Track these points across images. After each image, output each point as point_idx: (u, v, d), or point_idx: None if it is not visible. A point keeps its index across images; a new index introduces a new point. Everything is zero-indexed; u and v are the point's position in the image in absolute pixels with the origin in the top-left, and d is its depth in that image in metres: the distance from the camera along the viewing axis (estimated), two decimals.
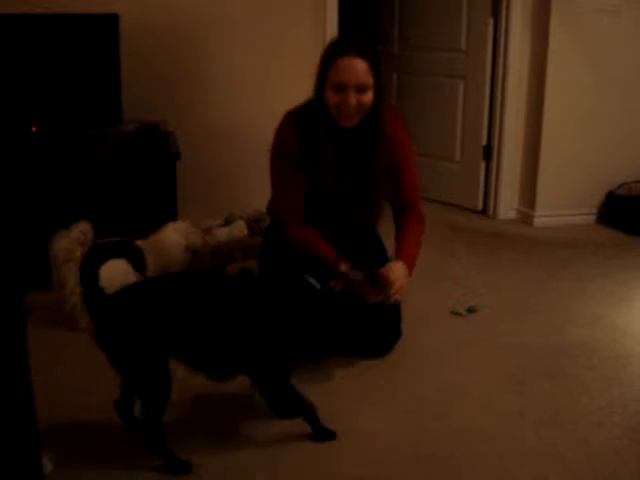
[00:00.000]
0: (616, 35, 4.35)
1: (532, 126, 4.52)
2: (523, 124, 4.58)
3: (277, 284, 2.22)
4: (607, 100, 4.45)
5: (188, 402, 2.36)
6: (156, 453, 2.00)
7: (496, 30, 4.47)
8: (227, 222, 3.60)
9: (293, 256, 2.74)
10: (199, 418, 2.30)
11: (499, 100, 4.54)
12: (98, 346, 2.01)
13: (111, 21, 3.42)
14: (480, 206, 4.82)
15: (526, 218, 4.60)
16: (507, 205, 4.71)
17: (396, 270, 2.46)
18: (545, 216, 4.55)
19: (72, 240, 2.83)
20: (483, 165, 4.73)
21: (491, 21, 4.46)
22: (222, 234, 3.43)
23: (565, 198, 4.56)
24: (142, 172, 3.40)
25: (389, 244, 2.79)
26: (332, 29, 4.10)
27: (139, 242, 2.95)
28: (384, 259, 2.81)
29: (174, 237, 2.89)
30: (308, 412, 2.14)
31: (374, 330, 2.67)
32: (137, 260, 2.11)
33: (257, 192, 3.18)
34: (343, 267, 2.41)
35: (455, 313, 3.13)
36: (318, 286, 2.21)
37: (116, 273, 2.65)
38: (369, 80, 2.43)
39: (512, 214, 4.71)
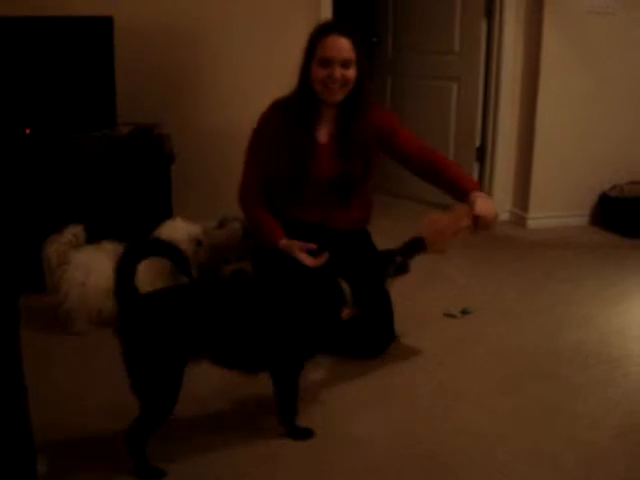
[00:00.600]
0: (609, 37, 4.36)
1: (525, 128, 4.53)
2: (516, 126, 4.59)
3: (304, 284, 2.26)
4: (600, 102, 4.47)
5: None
6: (133, 454, 1.98)
7: (489, 32, 4.48)
8: (221, 224, 3.60)
9: (286, 257, 2.76)
10: (197, 421, 2.31)
11: (493, 102, 4.56)
12: (121, 344, 1.99)
13: (105, 24, 3.43)
14: None
15: (520, 220, 4.62)
16: (501, 207, 4.70)
17: (483, 199, 2.59)
18: (538, 218, 4.56)
19: (64, 244, 2.83)
20: (477, 167, 4.74)
21: (484, 23, 4.48)
22: (216, 236, 3.43)
23: (558, 200, 4.57)
24: (137, 174, 3.40)
25: (387, 241, 2.80)
26: None
27: None
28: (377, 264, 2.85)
29: (175, 235, 2.89)
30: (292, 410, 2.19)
31: (368, 331, 2.68)
32: (179, 259, 2.12)
33: None
34: (282, 242, 2.66)
35: (449, 315, 3.14)
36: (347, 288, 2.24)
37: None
38: (352, 56, 2.65)
39: (506, 216, 4.72)
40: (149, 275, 2.90)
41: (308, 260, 2.63)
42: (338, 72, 2.62)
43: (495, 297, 3.36)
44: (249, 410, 2.36)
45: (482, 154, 4.70)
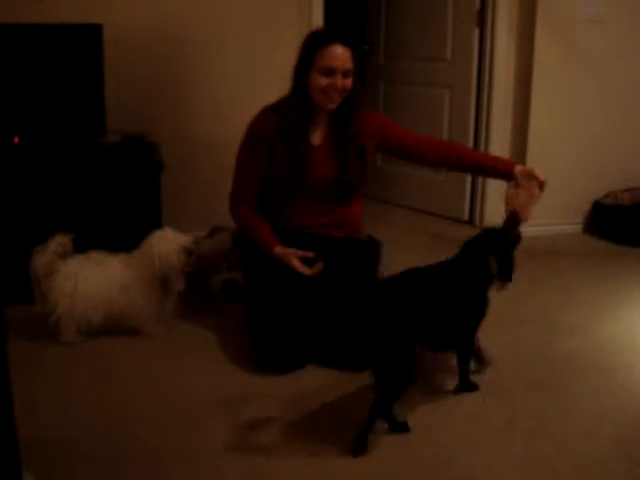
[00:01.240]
0: (601, 44, 4.37)
1: (518, 136, 4.52)
2: (509, 134, 4.58)
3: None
4: (593, 109, 4.47)
5: None
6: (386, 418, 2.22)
7: (482, 40, 4.48)
8: (212, 233, 3.59)
9: (278, 267, 2.76)
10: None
11: (485, 109, 4.55)
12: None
13: (94, 31, 3.40)
14: (466, 216, 4.81)
15: None
16: (493, 215, 4.70)
17: (534, 168, 2.79)
18: (531, 225, 4.51)
19: (51, 254, 2.81)
20: (469, 175, 4.73)
21: (477, 31, 4.47)
22: (207, 245, 3.41)
23: (551, 207, 4.55)
24: (126, 183, 3.37)
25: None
26: None
27: (125, 256, 2.94)
28: (371, 272, 2.86)
29: (166, 245, 2.87)
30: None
31: (358, 342, 2.65)
32: None
33: None
34: (277, 249, 2.73)
35: None
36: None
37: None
38: (352, 66, 2.73)
39: (499, 224, 4.70)
40: (140, 285, 2.88)
41: (303, 269, 2.68)
42: (340, 82, 2.69)
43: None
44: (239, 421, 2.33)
45: None
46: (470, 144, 4.65)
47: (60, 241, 2.83)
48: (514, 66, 4.47)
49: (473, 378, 2.51)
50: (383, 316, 2.15)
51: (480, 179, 4.67)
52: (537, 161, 4.42)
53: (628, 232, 4.35)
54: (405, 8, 4.98)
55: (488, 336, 2.99)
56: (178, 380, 2.60)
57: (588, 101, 4.45)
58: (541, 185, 2.75)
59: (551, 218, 4.58)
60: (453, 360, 2.51)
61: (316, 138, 2.84)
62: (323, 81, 2.68)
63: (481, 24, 4.46)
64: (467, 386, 2.49)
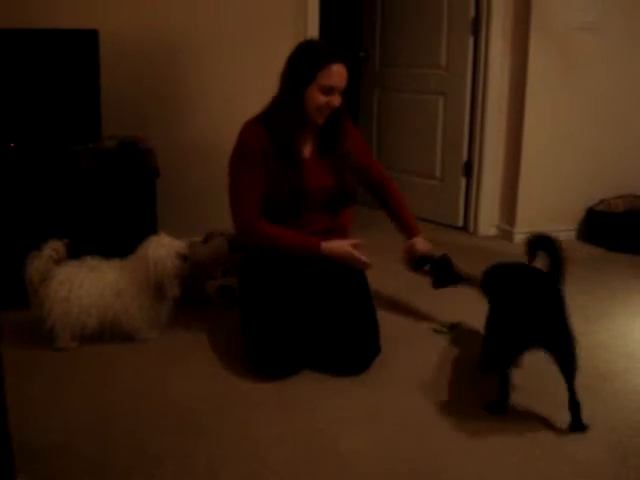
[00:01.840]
0: (595, 52, 4.39)
1: (512, 143, 4.54)
2: (503, 141, 4.60)
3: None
4: (587, 117, 4.49)
5: None
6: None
7: (476, 47, 4.50)
8: (207, 239, 3.59)
9: (273, 272, 2.76)
10: None
11: (479, 117, 4.57)
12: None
13: (90, 37, 3.41)
14: (461, 223, 4.83)
15: (507, 234, 4.62)
16: (488, 222, 4.72)
17: (420, 243, 3.08)
18: (525, 232, 4.50)
19: (45, 259, 2.81)
20: (463, 182, 4.75)
21: (471, 38, 4.49)
22: (202, 251, 3.42)
23: (545, 214, 4.58)
24: (121, 189, 3.37)
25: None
26: None
27: (120, 262, 2.94)
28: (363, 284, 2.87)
29: (161, 251, 2.87)
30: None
31: (352, 345, 2.66)
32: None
33: None
34: (325, 246, 2.75)
35: (436, 331, 3.12)
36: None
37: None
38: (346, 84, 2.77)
39: (493, 230, 4.73)
40: (134, 290, 2.88)
41: (364, 258, 2.81)
42: (337, 100, 2.73)
43: (483, 312, 3.33)
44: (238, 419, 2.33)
45: (469, 169, 4.70)
46: (464, 152, 4.68)
47: (54, 247, 2.83)
48: (508, 74, 4.49)
49: None
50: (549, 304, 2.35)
51: (475, 186, 4.68)
52: (531, 168, 4.46)
53: (621, 239, 4.37)
54: (400, 16, 5.00)
55: (482, 342, 3.00)
56: (173, 385, 2.60)
57: (581, 109, 4.47)
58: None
59: (545, 225, 4.57)
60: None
61: (306, 151, 2.84)
62: (322, 99, 2.69)
63: (475, 32, 4.48)
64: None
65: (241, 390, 2.56)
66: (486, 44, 4.43)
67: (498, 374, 2.39)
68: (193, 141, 4.04)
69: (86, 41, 3.42)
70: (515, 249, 4.40)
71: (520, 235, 4.54)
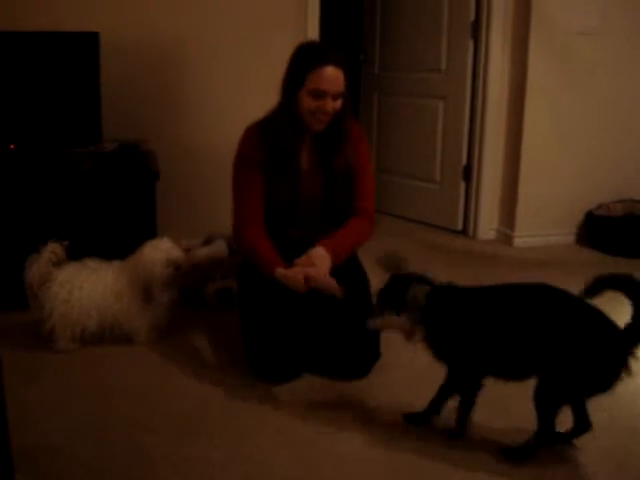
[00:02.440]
0: (595, 57, 4.40)
1: (512, 146, 4.54)
2: (503, 145, 4.60)
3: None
4: (586, 121, 4.50)
5: None
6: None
7: (476, 51, 4.50)
8: (207, 242, 3.59)
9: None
10: None
11: (479, 120, 4.57)
12: None
13: (91, 39, 3.41)
14: (460, 226, 4.83)
15: (506, 238, 4.62)
16: (487, 225, 4.72)
17: (314, 255, 2.57)
18: (525, 236, 4.56)
19: (45, 262, 2.81)
20: (463, 185, 4.75)
21: (471, 42, 4.50)
22: (202, 254, 3.42)
23: (544, 218, 4.58)
24: (121, 191, 3.37)
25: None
26: None
27: (119, 263, 2.94)
28: (365, 285, 2.84)
29: (154, 254, 2.87)
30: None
31: (352, 350, 2.66)
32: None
33: None
34: (280, 271, 2.54)
35: None
36: None
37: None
38: (343, 89, 2.61)
39: (492, 234, 4.73)
40: (130, 292, 2.88)
41: (333, 289, 2.51)
42: (330, 105, 2.58)
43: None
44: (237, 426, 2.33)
45: (468, 173, 4.70)
46: (464, 155, 4.68)
47: (53, 249, 2.83)
48: (508, 77, 4.49)
49: None
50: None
51: (474, 189, 4.68)
52: (530, 172, 4.46)
53: (620, 243, 4.37)
54: (400, 19, 5.00)
55: None
56: (172, 388, 2.60)
57: (581, 113, 4.48)
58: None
59: (544, 229, 4.60)
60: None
61: (304, 161, 2.75)
62: (312, 104, 2.57)
63: (475, 36, 4.48)
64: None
65: (240, 393, 2.56)
66: (486, 48, 4.44)
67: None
68: (193, 144, 4.04)
69: (87, 44, 3.42)
70: (514, 253, 4.42)
71: (519, 239, 4.55)
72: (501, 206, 4.69)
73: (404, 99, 5.06)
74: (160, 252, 2.87)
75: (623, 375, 2.01)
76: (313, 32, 4.12)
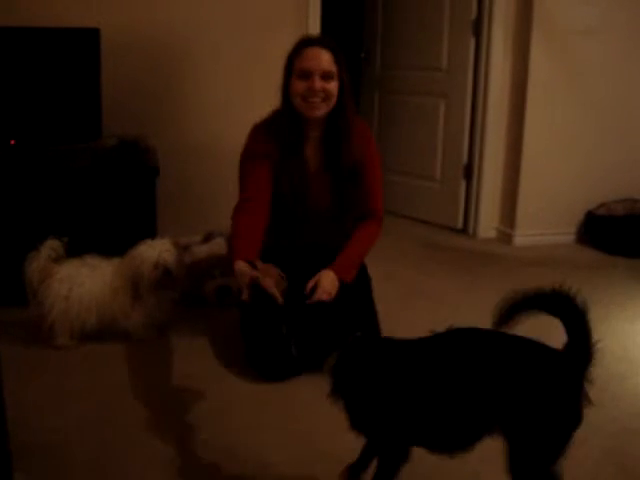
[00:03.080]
0: (596, 56, 4.39)
1: (512, 145, 4.54)
2: (504, 143, 4.60)
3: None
4: (588, 120, 4.49)
5: None
6: None
7: (477, 50, 4.50)
8: (206, 239, 3.59)
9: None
10: None
11: (480, 119, 4.57)
12: None
13: (92, 35, 3.41)
14: (460, 225, 4.82)
15: (506, 237, 4.62)
16: (487, 224, 4.72)
17: (323, 279, 2.51)
18: (525, 235, 4.56)
19: (45, 259, 2.80)
20: (463, 184, 4.74)
21: (472, 40, 4.49)
22: (201, 251, 3.41)
23: (545, 217, 4.58)
24: (121, 187, 3.37)
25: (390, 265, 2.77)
26: None
27: (118, 260, 2.94)
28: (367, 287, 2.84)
29: (145, 254, 2.86)
30: None
31: None
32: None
33: None
34: (238, 264, 2.39)
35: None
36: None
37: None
38: (333, 68, 2.58)
39: (492, 233, 4.72)
40: (127, 289, 2.88)
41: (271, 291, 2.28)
42: (318, 84, 2.55)
43: (481, 315, 3.31)
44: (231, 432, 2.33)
45: (469, 171, 4.70)
46: (464, 154, 4.67)
47: (52, 246, 2.83)
48: (509, 76, 4.48)
49: None
50: None
51: (474, 188, 4.68)
52: (531, 171, 4.46)
53: (621, 243, 4.37)
54: (401, 17, 5.00)
55: None
56: (171, 386, 2.60)
57: (582, 112, 4.47)
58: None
59: (544, 228, 4.59)
60: None
61: (311, 160, 2.73)
62: (301, 86, 2.57)
63: (477, 34, 4.48)
64: None
65: (240, 391, 2.56)
66: (487, 46, 4.43)
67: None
68: (194, 140, 4.03)
69: (87, 40, 3.41)
70: (515, 252, 4.41)
71: (520, 238, 4.54)
72: (501, 205, 4.69)
73: (405, 97, 5.06)
74: (152, 252, 2.86)
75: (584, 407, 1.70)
76: (314, 30, 4.11)
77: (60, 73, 3.44)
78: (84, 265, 2.89)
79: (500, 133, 4.57)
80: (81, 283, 2.83)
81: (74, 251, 2.89)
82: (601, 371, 2.75)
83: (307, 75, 2.56)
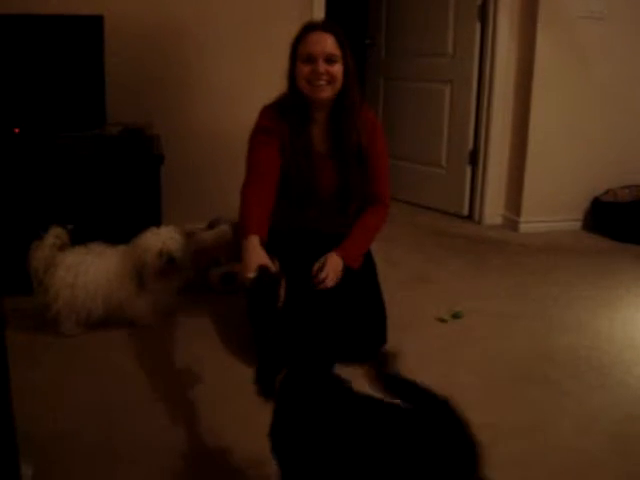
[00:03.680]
0: (602, 41, 4.37)
1: (518, 131, 4.52)
2: (509, 129, 4.58)
3: None
4: (593, 106, 4.47)
5: None
6: None
7: (483, 35, 4.48)
8: (211, 226, 3.59)
9: (279, 261, 2.74)
10: None
11: (485, 105, 4.55)
12: None
13: (95, 23, 3.40)
14: (466, 211, 4.82)
15: (512, 224, 4.61)
16: (493, 211, 4.71)
17: (329, 263, 2.64)
18: (531, 222, 4.55)
19: (49, 247, 2.80)
20: (469, 170, 4.73)
21: (478, 26, 4.47)
22: (206, 238, 3.42)
23: (551, 204, 4.57)
24: (126, 175, 3.36)
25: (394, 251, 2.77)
26: None
27: (123, 248, 2.94)
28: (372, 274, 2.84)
29: (150, 241, 2.86)
30: None
31: (359, 335, 2.65)
32: None
33: None
34: (249, 239, 2.38)
35: (440, 319, 3.12)
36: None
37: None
38: (336, 51, 2.62)
39: (498, 219, 4.71)
40: (132, 276, 2.88)
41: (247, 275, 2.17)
42: (322, 67, 2.59)
43: (486, 301, 3.34)
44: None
45: (475, 157, 4.68)
46: (470, 140, 4.66)
47: (56, 233, 2.83)
48: (515, 61, 4.47)
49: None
50: None
51: (480, 174, 4.67)
52: (537, 157, 4.44)
53: (627, 229, 4.36)
54: (406, 3, 4.97)
55: (486, 330, 3.00)
56: (176, 373, 2.61)
57: (588, 97, 4.45)
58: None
59: (550, 215, 4.58)
60: None
61: (317, 142, 2.75)
62: (306, 69, 2.61)
63: (482, 19, 4.45)
64: None
65: (245, 378, 2.55)
66: (493, 31, 4.41)
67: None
68: (198, 127, 4.03)
69: (91, 27, 3.40)
70: (520, 238, 4.41)
71: (525, 224, 4.54)
72: (507, 191, 4.68)
73: (410, 84, 5.04)
74: (157, 241, 2.86)
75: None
76: (319, 14, 4.09)
77: (64, 61, 3.43)
78: (89, 253, 2.89)
79: (506, 119, 4.55)
80: (86, 271, 2.83)
81: (79, 239, 2.89)
82: (606, 357, 2.79)
83: (311, 59, 2.60)
